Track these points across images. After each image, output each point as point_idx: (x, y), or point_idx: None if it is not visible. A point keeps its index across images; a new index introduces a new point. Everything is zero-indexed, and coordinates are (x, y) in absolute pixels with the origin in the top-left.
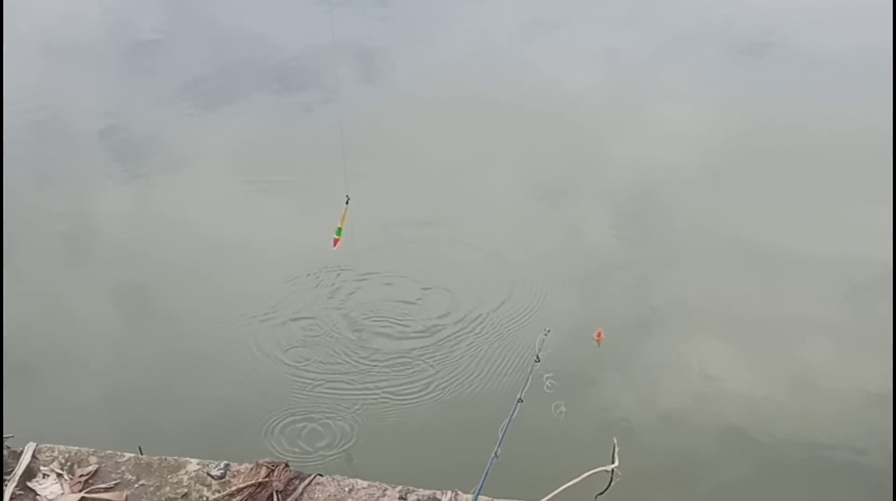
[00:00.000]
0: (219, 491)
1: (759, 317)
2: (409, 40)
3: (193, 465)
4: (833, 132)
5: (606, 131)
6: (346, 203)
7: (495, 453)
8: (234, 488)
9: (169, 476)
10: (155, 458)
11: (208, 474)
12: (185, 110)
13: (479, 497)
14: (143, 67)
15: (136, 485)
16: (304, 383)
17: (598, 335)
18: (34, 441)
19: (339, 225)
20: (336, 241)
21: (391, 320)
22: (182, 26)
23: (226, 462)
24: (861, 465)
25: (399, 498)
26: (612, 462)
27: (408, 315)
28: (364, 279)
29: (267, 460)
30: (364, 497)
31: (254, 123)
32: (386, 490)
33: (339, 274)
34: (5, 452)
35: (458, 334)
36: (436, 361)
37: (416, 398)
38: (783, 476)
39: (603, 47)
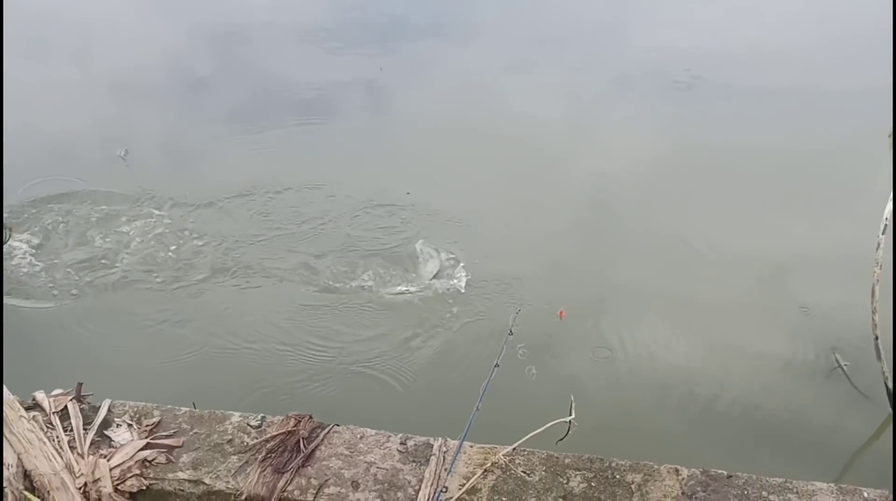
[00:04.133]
0: (256, 438)
1: (690, 299)
2: (406, 79)
3: (236, 417)
4: (748, 152)
5: (567, 152)
6: None
7: (477, 407)
8: (268, 435)
9: (217, 426)
10: (205, 411)
11: (248, 424)
12: (228, 135)
13: (464, 442)
14: (193, 101)
15: (191, 433)
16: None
17: (561, 313)
18: (109, 398)
19: None
20: None
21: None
22: (225, 69)
23: (262, 414)
24: (765, 414)
25: (400, 444)
26: (570, 415)
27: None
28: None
29: (295, 413)
30: (372, 443)
31: (282, 143)
32: (389, 437)
33: None
34: (87, 406)
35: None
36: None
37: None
38: (709, 424)
39: (564, 85)
